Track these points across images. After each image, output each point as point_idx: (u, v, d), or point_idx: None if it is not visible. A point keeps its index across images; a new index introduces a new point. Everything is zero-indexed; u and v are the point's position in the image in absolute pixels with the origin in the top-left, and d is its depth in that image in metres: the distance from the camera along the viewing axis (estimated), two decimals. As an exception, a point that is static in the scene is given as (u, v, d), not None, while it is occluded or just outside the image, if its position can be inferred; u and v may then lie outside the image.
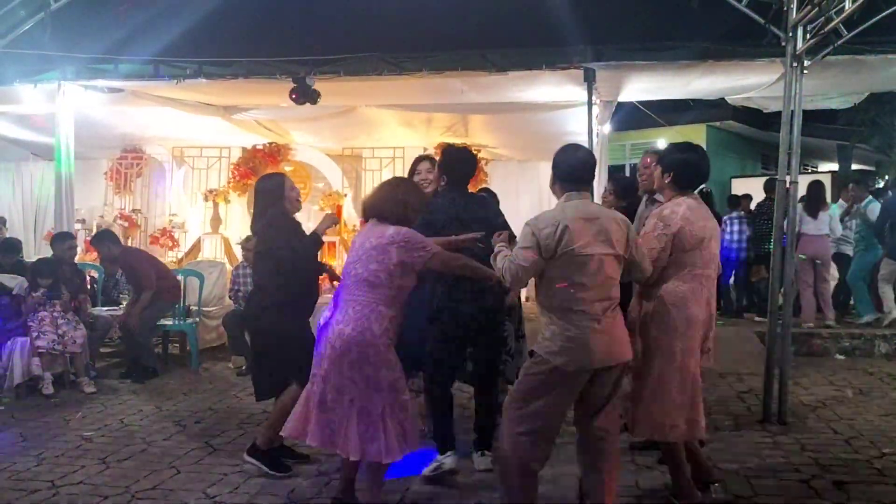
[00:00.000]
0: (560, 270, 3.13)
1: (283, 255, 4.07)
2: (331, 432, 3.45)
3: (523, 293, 6.72)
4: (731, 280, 9.63)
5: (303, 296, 4.25)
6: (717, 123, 15.18)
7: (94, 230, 10.78)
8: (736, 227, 9.43)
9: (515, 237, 3.52)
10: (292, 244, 4.10)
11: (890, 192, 9.28)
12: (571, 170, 3.28)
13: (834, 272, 8.88)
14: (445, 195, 4.28)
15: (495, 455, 3.91)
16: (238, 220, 10.51)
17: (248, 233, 5.99)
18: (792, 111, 5.26)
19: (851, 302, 9.06)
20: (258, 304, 4.26)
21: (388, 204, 3.59)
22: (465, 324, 4.12)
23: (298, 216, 4.47)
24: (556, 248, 3.10)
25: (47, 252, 7.68)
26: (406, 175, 4.99)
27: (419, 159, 5.01)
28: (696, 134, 14.12)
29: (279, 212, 4.24)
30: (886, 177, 15.82)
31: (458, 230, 3.97)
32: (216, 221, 10.56)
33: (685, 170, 3.60)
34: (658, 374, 3.48)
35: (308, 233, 4.32)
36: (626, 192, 5.07)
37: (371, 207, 3.65)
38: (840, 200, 9.46)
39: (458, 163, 4.39)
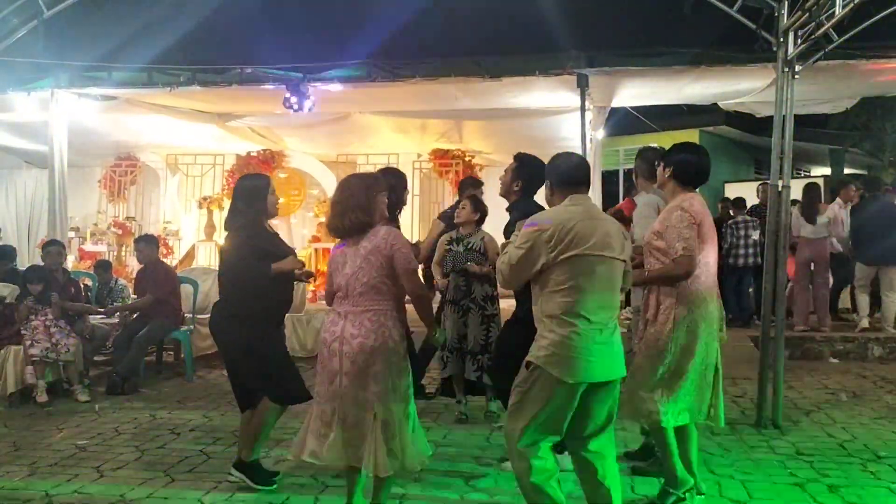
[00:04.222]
0: (564, 274, 2.96)
1: (248, 272, 3.89)
2: (354, 448, 3.26)
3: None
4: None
5: (268, 308, 4.00)
6: (710, 128, 15.23)
7: (88, 238, 10.81)
8: (742, 232, 8.78)
9: None
10: (258, 264, 3.88)
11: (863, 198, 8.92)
12: (572, 172, 3.23)
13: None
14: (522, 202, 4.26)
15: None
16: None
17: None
18: (784, 116, 5.30)
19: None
20: (221, 315, 4.03)
21: (357, 215, 3.35)
22: None
23: (296, 221, 4.43)
24: (561, 249, 2.96)
25: (41, 261, 7.67)
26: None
27: (467, 197, 5.31)
28: (690, 139, 14.04)
29: (255, 222, 4.01)
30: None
31: None
32: (210, 229, 10.55)
33: (686, 167, 3.71)
34: (678, 366, 3.53)
35: (286, 241, 4.14)
36: (479, 205, 5.27)
37: (340, 229, 3.40)
38: (838, 199, 8.98)
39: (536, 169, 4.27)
